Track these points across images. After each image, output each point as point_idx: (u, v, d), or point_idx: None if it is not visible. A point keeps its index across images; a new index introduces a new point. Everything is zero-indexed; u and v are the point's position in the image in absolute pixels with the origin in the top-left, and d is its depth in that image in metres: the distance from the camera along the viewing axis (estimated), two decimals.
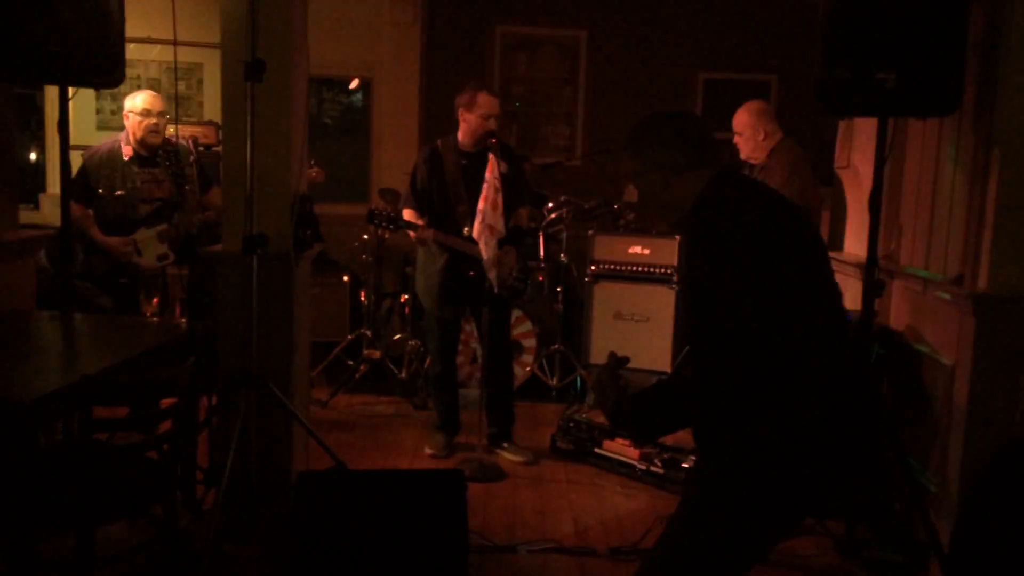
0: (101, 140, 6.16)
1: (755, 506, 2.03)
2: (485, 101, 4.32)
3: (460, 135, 4.43)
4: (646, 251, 5.13)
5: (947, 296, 3.36)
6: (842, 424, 2.05)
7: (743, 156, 4.62)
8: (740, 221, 2.04)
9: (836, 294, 2.17)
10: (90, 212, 4.47)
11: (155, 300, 4.30)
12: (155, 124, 4.44)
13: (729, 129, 4.62)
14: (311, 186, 4.46)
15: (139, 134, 4.48)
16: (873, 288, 3.40)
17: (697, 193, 2.12)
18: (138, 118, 4.47)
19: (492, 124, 4.30)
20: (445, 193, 4.41)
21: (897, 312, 3.93)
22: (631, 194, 6.46)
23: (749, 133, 4.52)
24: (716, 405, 2.04)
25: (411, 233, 4.39)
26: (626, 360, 2.22)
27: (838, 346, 2.10)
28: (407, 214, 4.45)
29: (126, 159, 4.50)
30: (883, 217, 3.52)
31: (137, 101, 4.49)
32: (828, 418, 2.02)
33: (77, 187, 4.40)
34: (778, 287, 1.99)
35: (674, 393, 2.12)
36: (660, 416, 2.13)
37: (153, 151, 4.49)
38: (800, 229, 2.14)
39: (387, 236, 4.42)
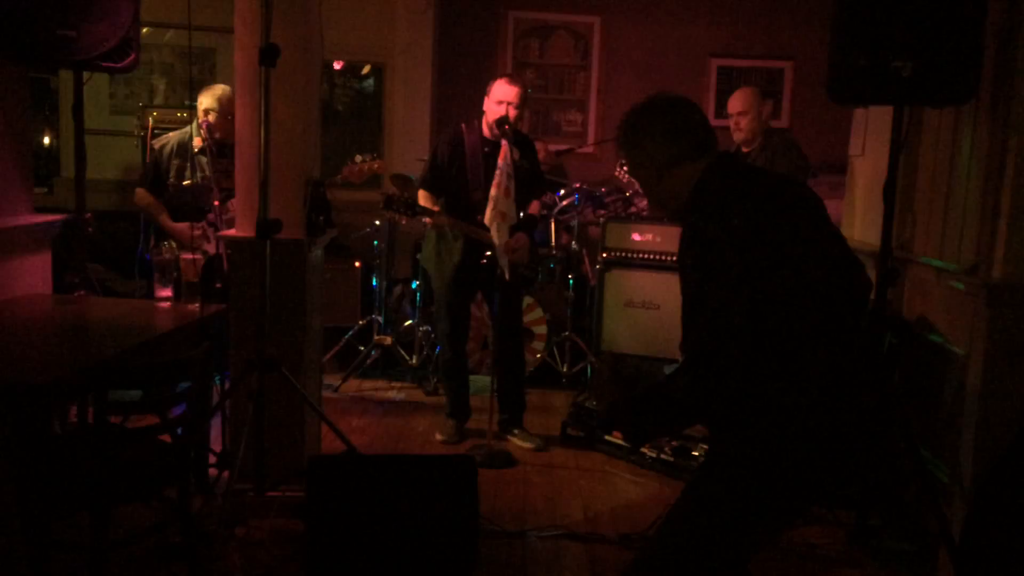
0: (115, 124, 6.23)
1: (760, 495, 2.02)
2: (498, 87, 4.35)
3: (484, 123, 4.44)
4: (658, 238, 5.11)
5: (961, 286, 3.34)
6: (847, 415, 2.02)
7: (744, 138, 4.60)
8: (727, 222, 2.00)
9: (844, 279, 2.10)
10: (159, 201, 4.64)
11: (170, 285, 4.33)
12: (218, 122, 4.50)
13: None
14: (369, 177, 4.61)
15: (202, 131, 4.60)
16: (887, 277, 3.38)
17: (691, 185, 2.09)
18: (201, 113, 4.59)
19: (503, 110, 4.31)
20: (463, 177, 4.42)
21: (910, 301, 3.91)
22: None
23: (755, 112, 4.50)
24: (715, 398, 2.03)
25: (426, 219, 4.39)
26: (621, 358, 2.23)
27: (844, 335, 2.06)
28: (422, 196, 4.46)
29: (196, 149, 4.61)
30: (897, 206, 3.50)
31: (203, 99, 4.60)
32: (831, 409, 2.00)
33: (148, 176, 4.70)
34: (770, 289, 1.96)
35: (669, 400, 2.08)
36: (655, 422, 2.13)
37: (223, 144, 4.53)
38: (799, 216, 2.08)
39: (404, 222, 4.43)
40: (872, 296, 3.44)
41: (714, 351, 1.97)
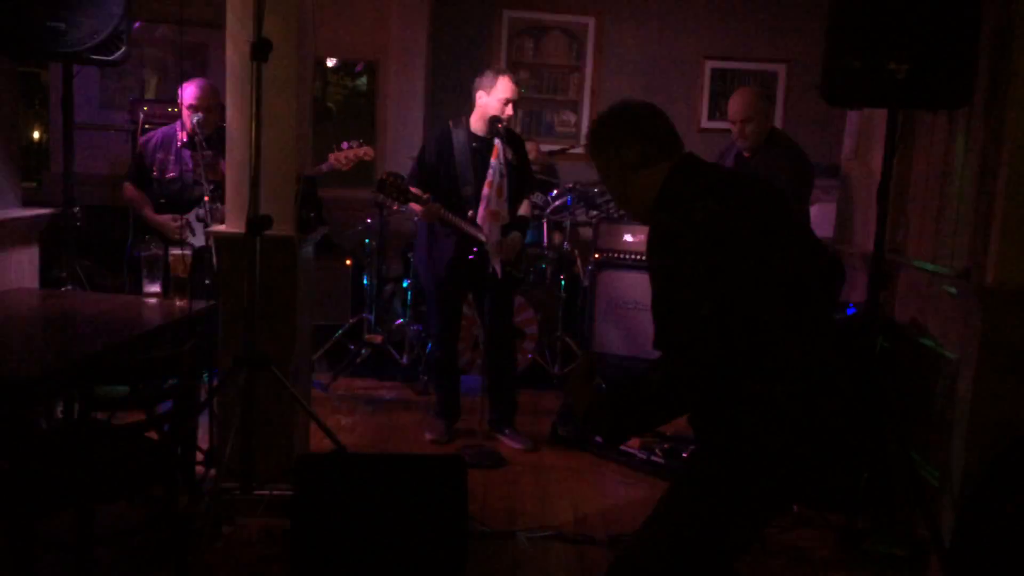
0: (105, 118, 6.20)
1: (740, 491, 2.03)
2: (506, 85, 4.26)
3: (473, 119, 4.38)
4: None
5: (954, 290, 3.34)
6: (825, 405, 2.04)
7: (751, 145, 4.30)
8: (692, 218, 2.05)
9: (811, 270, 2.15)
10: (144, 194, 4.61)
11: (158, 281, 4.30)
12: (202, 118, 4.42)
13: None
14: (359, 165, 4.54)
15: (188, 125, 4.54)
16: (879, 280, 3.38)
17: (657, 188, 2.14)
18: (186, 111, 4.52)
19: (510, 110, 4.28)
20: (452, 175, 4.38)
21: (902, 305, 3.91)
22: None
23: (761, 118, 4.24)
24: (691, 393, 2.04)
25: (416, 208, 4.34)
26: (599, 358, 2.24)
27: (817, 330, 2.10)
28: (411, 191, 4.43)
29: (180, 143, 4.57)
30: (890, 209, 3.49)
31: (186, 94, 4.53)
32: (808, 405, 2.01)
33: (133, 170, 4.69)
34: (737, 283, 2.00)
35: (643, 396, 2.10)
36: (630, 419, 2.14)
37: (207, 137, 4.47)
38: (762, 210, 2.14)
39: (395, 207, 4.40)
40: (864, 299, 3.44)
41: (686, 345, 2.00)
